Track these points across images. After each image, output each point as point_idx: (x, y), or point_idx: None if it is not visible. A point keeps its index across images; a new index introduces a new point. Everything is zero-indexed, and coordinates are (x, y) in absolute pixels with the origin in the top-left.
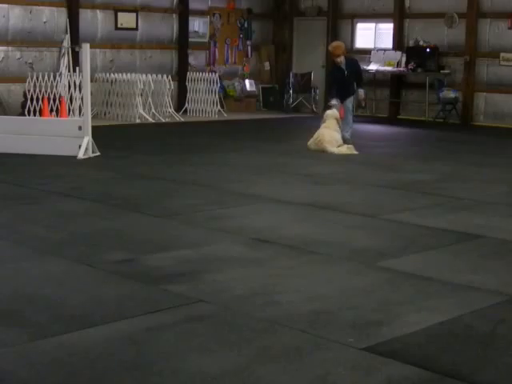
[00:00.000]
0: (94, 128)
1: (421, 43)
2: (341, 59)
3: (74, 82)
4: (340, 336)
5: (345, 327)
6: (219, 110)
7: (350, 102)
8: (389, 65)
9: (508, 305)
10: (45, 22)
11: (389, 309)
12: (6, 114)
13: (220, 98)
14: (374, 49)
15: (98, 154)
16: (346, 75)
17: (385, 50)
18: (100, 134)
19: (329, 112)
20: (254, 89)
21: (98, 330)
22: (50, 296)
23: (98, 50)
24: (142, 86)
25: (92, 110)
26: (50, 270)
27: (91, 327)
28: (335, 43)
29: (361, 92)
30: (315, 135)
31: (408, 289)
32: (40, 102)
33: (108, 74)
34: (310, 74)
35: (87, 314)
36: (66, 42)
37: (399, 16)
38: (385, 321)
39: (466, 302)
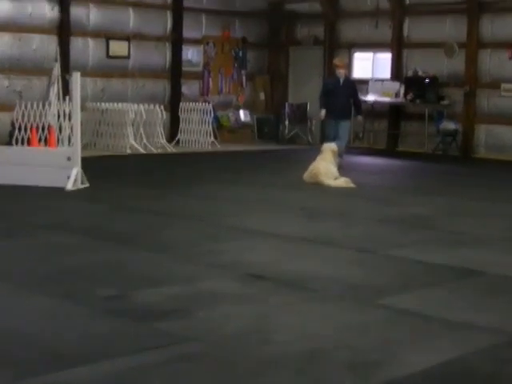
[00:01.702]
0: (83, 159)
1: (419, 73)
2: (342, 72)
3: (64, 111)
4: (337, 377)
5: (342, 368)
6: (212, 141)
7: (345, 126)
8: (387, 95)
9: (511, 344)
10: (34, 50)
11: (388, 348)
12: None
13: (213, 129)
14: (371, 79)
15: (88, 185)
16: (341, 85)
17: (383, 80)
18: (90, 165)
19: (326, 144)
20: (248, 119)
21: (85, 369)
22: (36, 333)
23: (88, 79)
24: (134, 116)
25: (82, 140)
26: (37, 306)
27: (78, 366)
28: (341, 56)
29: (359, 118)
30: (310, 167)
31: (407, 328)
32: (28, 131)
33: (99, 103)
34: (305, 104)
35: (74, 352)
36: (57, 70)
37: (397, 45)
38: (383, 361)
39: (468, 341)
